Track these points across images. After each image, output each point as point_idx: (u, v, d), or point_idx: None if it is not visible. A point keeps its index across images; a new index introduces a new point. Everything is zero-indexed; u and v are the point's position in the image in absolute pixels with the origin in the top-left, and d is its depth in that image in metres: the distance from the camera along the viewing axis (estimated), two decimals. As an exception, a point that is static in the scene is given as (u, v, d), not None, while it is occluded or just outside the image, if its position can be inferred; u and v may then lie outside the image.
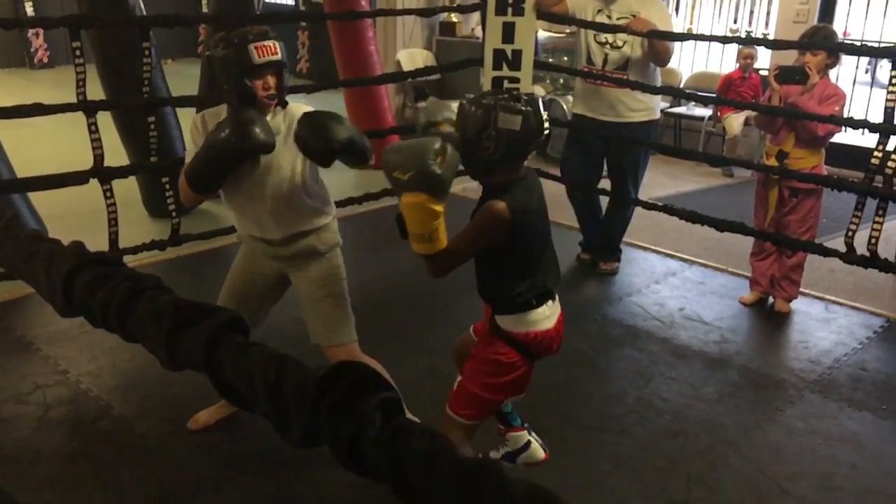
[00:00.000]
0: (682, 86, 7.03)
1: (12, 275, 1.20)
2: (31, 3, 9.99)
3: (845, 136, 5.66)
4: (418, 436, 0.64)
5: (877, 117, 3.35)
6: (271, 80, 2.28)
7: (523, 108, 1.91)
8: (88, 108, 3.36)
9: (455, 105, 2.03)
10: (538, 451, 2.34)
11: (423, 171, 1.80)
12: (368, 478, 0.69)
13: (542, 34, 6.94)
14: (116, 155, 4.05)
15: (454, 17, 7.45)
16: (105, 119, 3.70)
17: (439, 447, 0.63)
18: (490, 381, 2.02)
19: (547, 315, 2.06)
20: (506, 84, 4.21)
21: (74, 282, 1.01)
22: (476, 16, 6.48)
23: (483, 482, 0.60)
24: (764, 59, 6.66)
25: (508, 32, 4.14)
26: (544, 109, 1.97)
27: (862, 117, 3.51)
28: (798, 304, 3.87)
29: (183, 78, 6.46)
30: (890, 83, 3.19)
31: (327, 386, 0.69)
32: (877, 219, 3.24)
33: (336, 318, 2.54)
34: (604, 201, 4.36)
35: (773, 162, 3.63)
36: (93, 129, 3.36)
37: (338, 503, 2.43)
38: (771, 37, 6.49)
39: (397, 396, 0.70)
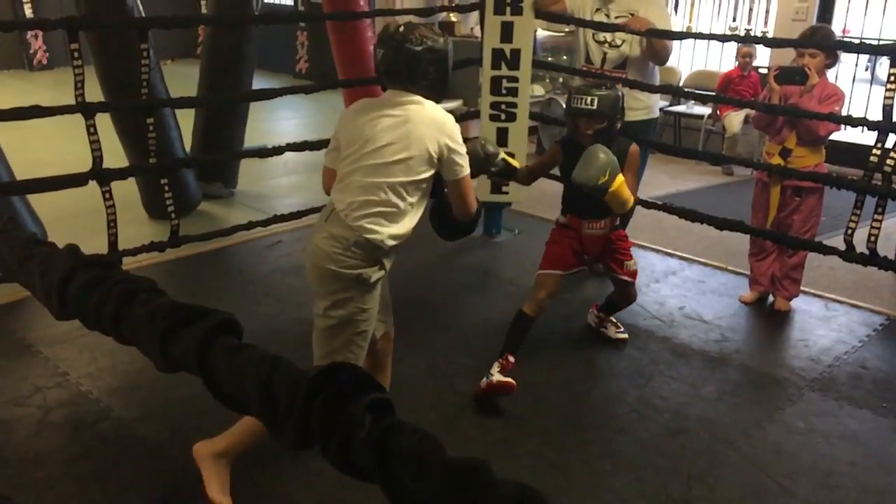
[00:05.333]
0: (681, 84, 7.03)
1: (8, 277, 1.20)
2: (29, 5, 9.99)
3: (844, 134, 5.65)
4: (408, 436, 0.65)
5: (876, 115, 3.35)
6: None
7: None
8: (87, 109, 3.36)
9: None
10: None
11: (615, 165, 2.81)
12: (359, 479, 0.69)
13: (541, 33, 6.94)
14: (115, 156, 4.05)
15: (453, 17, 7.44)
16: (104, 121, 3.70)
17: (428, 447, 0.63)
18: None
19: None
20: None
21: (69, 285, 1.01)
22: (475, 15, 6.47)
23: (471, 482, 0.60)
24: (763, 58, 6.66)
25: (507, 32, 4.14)
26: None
27: (861, 115, 3.51)
28: (798, 303, 3.87)
29: (182, 79, 6.46)
30: (889, 81, 3.18)
31: (318, 387, 0.69)
32: (876, 216, 3.24)
33: None
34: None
35: (776, 160, 3.62)
36: (91, 130, 3.36)
37: (337, 504, 2.43)
38: (770, 35, 6.49)
39: (387, 397, 0.70)
